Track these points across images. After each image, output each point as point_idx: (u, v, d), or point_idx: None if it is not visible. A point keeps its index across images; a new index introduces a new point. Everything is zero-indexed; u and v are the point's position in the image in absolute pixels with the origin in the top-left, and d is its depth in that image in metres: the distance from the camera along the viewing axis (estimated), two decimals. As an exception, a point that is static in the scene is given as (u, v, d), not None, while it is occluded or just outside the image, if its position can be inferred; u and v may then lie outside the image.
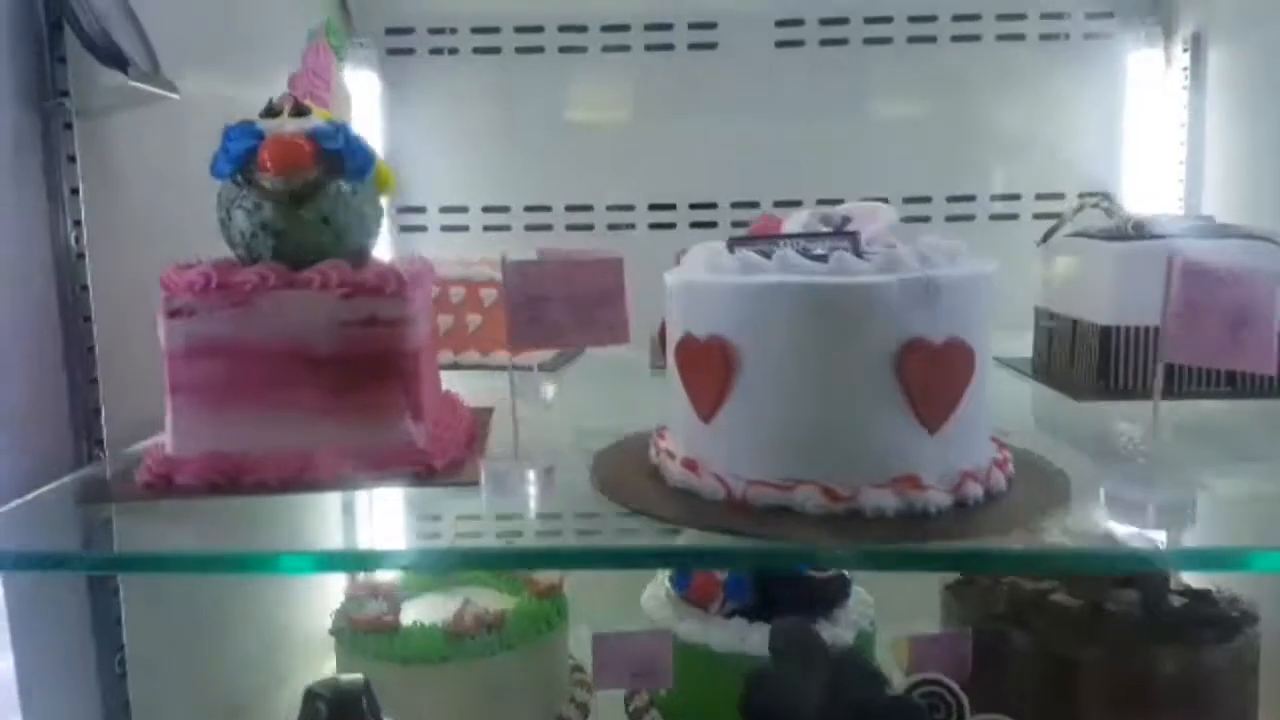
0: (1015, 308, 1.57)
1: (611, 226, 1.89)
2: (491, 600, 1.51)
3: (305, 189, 0.98)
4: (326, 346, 0.96)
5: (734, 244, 0.96)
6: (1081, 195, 1.86)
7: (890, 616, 1.55)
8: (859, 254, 0.94)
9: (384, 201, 1.09)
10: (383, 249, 1.85)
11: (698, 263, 0.96)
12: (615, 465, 1.01)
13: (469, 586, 1.61)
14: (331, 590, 1.56)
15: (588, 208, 1.88)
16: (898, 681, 1.52)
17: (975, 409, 0.89)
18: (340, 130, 1.00)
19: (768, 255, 0.91)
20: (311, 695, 1.04)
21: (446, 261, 1.69)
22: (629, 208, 1.89)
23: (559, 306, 0.93)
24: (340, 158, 0.99)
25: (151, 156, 1.18)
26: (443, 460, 0.98)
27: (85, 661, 1.06)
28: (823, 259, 0.89)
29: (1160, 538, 0.82)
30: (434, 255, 1.77)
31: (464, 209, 1.89)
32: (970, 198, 1.90)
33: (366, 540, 1.07)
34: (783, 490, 0.86)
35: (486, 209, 1.89)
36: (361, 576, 1.63)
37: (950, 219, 1.90)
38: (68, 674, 1.04)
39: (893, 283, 0.84)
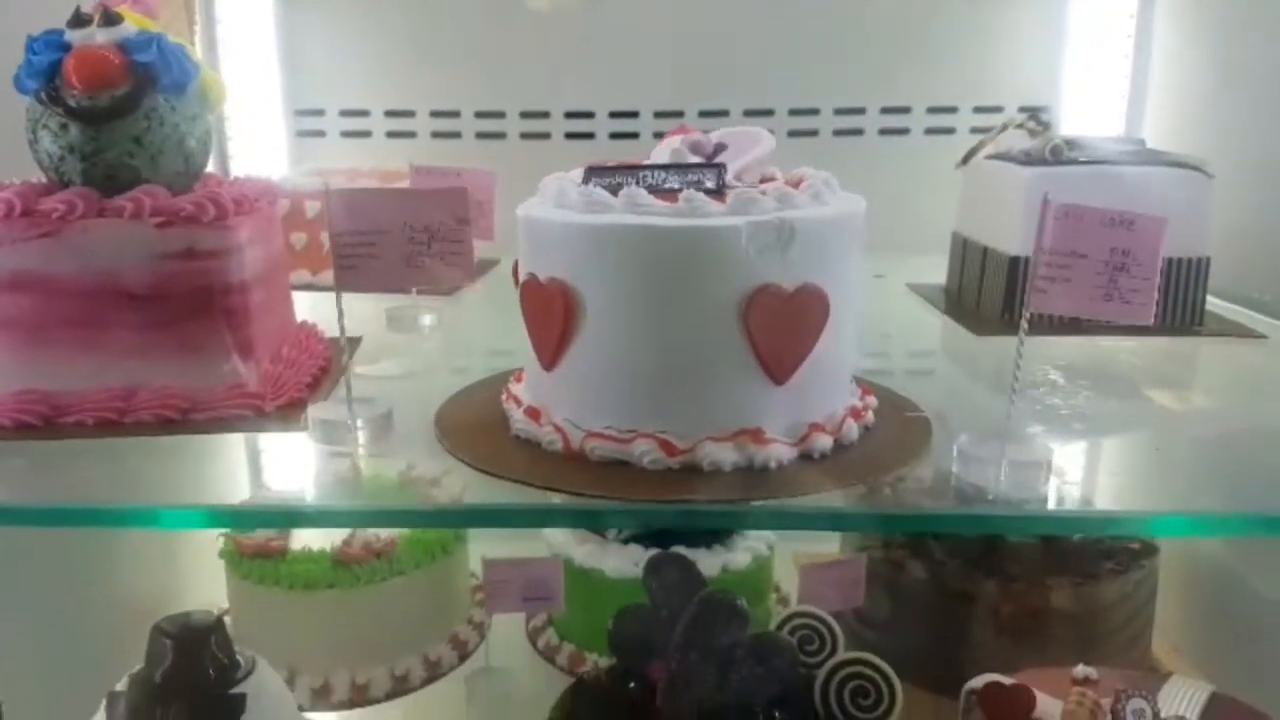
0: (946, 231, 1.51)
1: (525, 135, 1.78)
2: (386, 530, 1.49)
3: (114, 106, 0.88)
4: (142, 280, 0.89)
5: (591, 173, 0.88)
6: (1023, 110, 1.77)
7: (792, 541, 1.54)
8: (721, 188, 0.86)
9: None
10: (278, 155, 1.75)
11: (548, 194, 0.88)
12: (464, 409, 0.95)
13: (368, 507, 1.59)
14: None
15: (499, 114, 1.77)
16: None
17: (830, 357, 0.83)
18: (154, 40, 0.90)
19: (619, 190, 0.83)
20: (158, 633, 1.00)
21: (340, 170, 1.59)
22: (544, 115, 1.78)
23: (393, 242, 0.85)
24: (153, 71, 0.89)
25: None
26: (278, 401, 0.92)
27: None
28: (675, 196, 0.81)
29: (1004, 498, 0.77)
30: (330, 164, 1.69)
31: (365, 113, 1.77)
32: (905, 110, 1.79)
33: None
34: (620, 443, 0.81)
35: (390, 114, 1.77)
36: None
37: (884, 132, 1.80)
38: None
39: (740, 226, 0.77)
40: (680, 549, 1.22)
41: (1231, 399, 1.08)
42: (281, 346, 1.02)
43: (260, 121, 1.75)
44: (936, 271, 1.51)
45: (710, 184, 0.86)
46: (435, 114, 1.77)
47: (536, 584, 1.40)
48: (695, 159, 0.93)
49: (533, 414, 0.87)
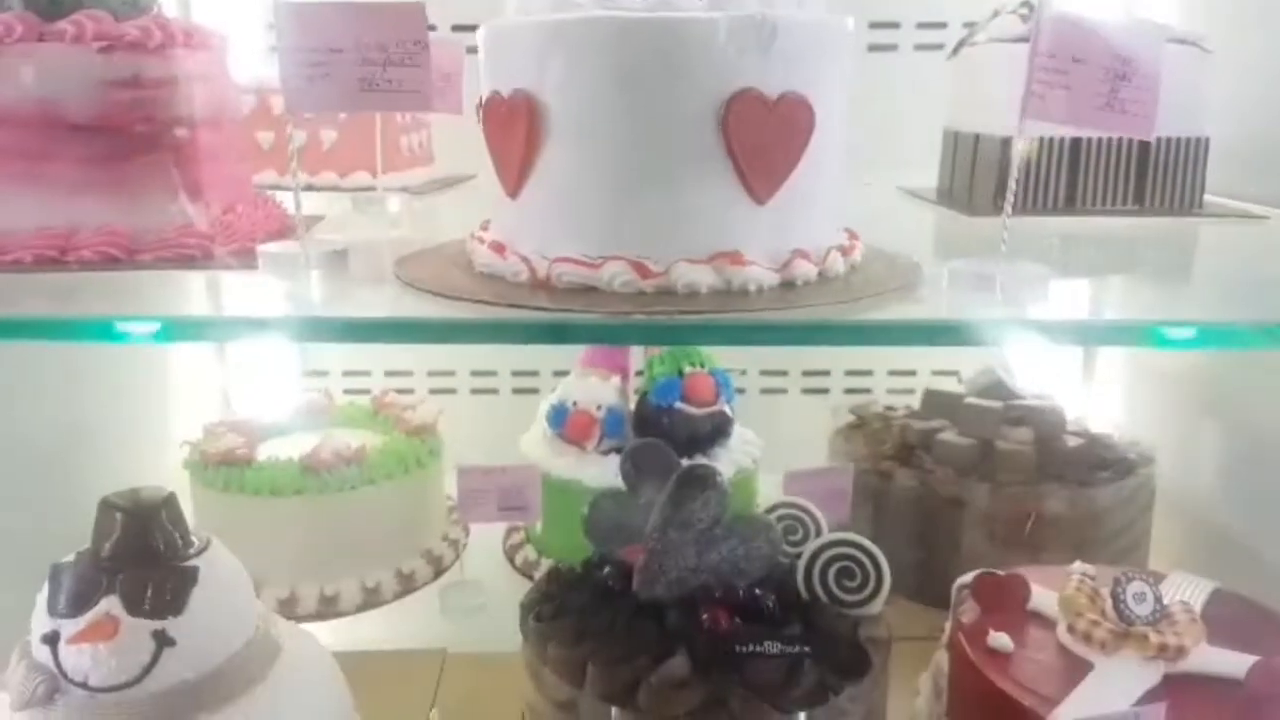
0: (937, 146, 1.46)
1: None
2: (359, 439, 1.44)
3: (54, -78, 0.83)
4: (85, 110, 0.84)
5: (560, -11, 0.83)
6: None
7: (778, 457, 1.49)
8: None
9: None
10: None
11: (511, 7, 0.83)
12: (427, 255, 0.90)
13: (340, 428, 1.53)
14: (185, 428, 1.48)
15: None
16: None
17: (814, 180, 0.78)
18: None
19: (590, -4, 0.78)
20: (108, 506, 0.94)
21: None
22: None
23: (346, 61, 0.80)
24: (94, -117, 0.84)
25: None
26: (229, 247, 0.87)
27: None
28: None
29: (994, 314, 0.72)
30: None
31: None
32: (895, 25, 1.75)
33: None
34: (590, 267, 0.76)
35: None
36: (219, 418, 1.54)
37: (872, 48, 1.76)
38: None
39: (719, 20, 0.72)
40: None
41: (1235, 262, 1.03)
42: (235, 203, 0.96)
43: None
44: (927, 180, 1.47)
45: (687, 2, 0.81)
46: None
47: (512, 493, 1.35)
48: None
49: (497, 248, 0.82)
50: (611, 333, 0.75)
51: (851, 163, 0.90)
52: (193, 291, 0.82)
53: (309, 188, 1.42)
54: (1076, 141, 1.19)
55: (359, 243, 0.98)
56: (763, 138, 0.74)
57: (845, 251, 0.82)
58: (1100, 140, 1.19)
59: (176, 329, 0.70)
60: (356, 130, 1.38)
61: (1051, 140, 1.19)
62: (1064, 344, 0.98)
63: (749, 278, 0.75)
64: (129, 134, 0.84)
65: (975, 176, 1.26)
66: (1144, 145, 1.20)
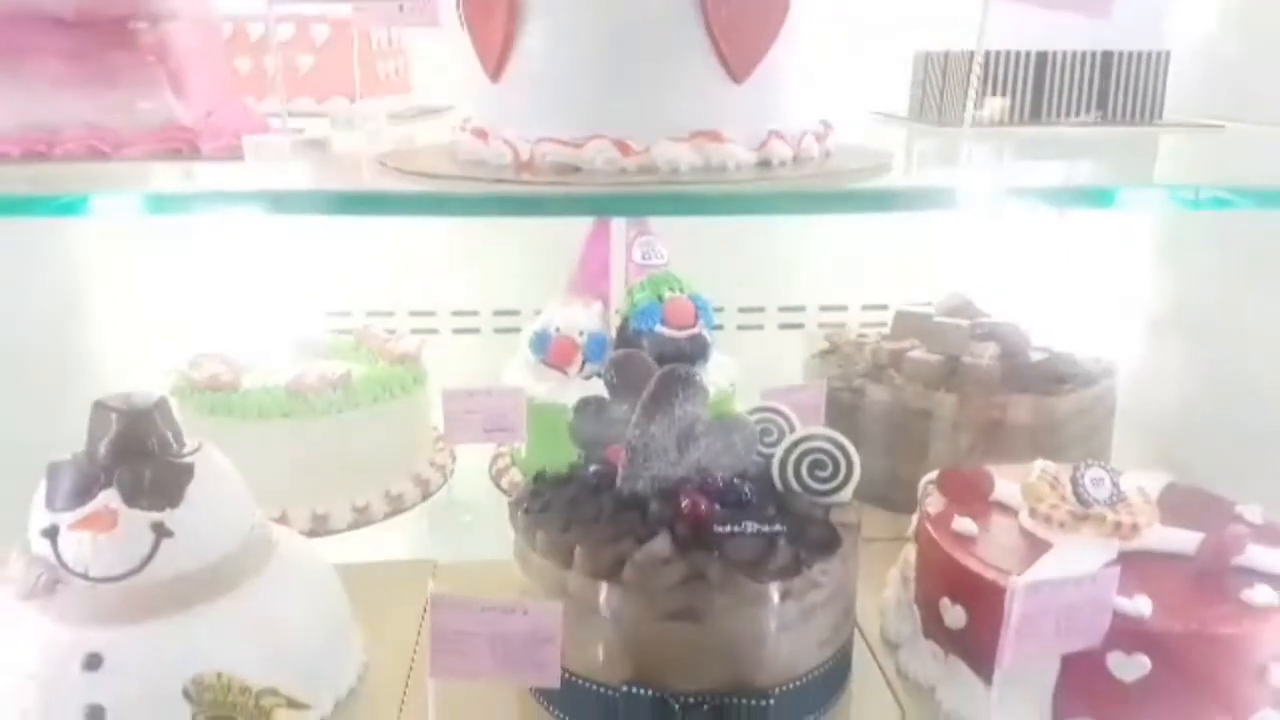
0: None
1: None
2: (343, 367, 1.46)
3: None
4: (66, 4, 0.84)
5: None
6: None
7: (755, 389, 1.53)
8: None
9: None
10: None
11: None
12: (411, 151, 0.92)
13: (322, 360, 1.55)
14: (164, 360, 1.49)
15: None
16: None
17: (790, 62, 0.81)
18: None
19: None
20: (102, 408, 0.96)
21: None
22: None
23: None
24: None
25: None
26: (214, 145, 0.88)
27: None
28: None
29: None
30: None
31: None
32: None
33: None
34: (572, 147, 0.78)
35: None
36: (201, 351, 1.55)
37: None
38: None
39: (695, -106, 0.74)
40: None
41: (1193, 157, 1.08)
42: (219, 107, 0.97)
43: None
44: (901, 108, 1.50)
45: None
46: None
47: (497, 415, 1.37)
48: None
49: (480, 135, 0.84)
50: (593, 203, 0.77)
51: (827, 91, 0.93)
52: (179, 176, 0.84)
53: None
54: (1042, 55, 1.23)
55: (341, 151, 1.00)
56: (741, 14, 0.77)
57: (820, 138, 0.85)
58: (1065, 53, 1.23)
59: (160, 202, 0.71)
60: (333, 55, 1.39)
61: (1017, 54, 1.23)
62: (1028, 207, 1.01)
63: (727, 155, 0.77)
64: (111, 28, 0.85)
65: (945, 90, 1.30)
66: (1107, 58, 1.23)
